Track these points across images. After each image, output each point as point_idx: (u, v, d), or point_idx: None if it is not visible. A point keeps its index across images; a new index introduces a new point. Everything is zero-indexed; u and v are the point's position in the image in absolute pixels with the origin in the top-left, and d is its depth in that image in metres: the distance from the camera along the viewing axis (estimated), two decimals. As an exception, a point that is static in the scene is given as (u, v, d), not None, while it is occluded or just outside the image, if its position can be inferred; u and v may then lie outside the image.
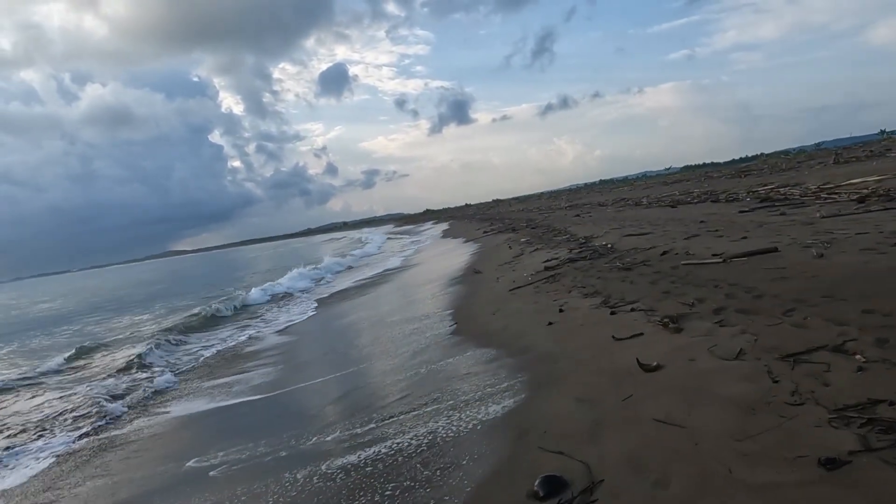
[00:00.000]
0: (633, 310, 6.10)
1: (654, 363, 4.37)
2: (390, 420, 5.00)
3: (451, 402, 5.01)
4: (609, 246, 11.28)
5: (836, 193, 15.53)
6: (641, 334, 5.22)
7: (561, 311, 6.97)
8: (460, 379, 5.59)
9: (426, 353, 7.11)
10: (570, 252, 11.95)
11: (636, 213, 21.33)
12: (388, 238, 56.50)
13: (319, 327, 12.32)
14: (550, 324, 6.53)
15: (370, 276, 20.56)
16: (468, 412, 4.62)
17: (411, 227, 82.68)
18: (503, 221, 32.78)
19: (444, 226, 53.79)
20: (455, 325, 8.18)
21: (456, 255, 20.37)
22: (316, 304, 15.60)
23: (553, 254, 12.37)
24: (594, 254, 10.73)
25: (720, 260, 7.33)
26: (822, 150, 48.31)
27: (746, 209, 14.72)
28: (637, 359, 4.44)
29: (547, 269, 10.43)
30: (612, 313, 6.18)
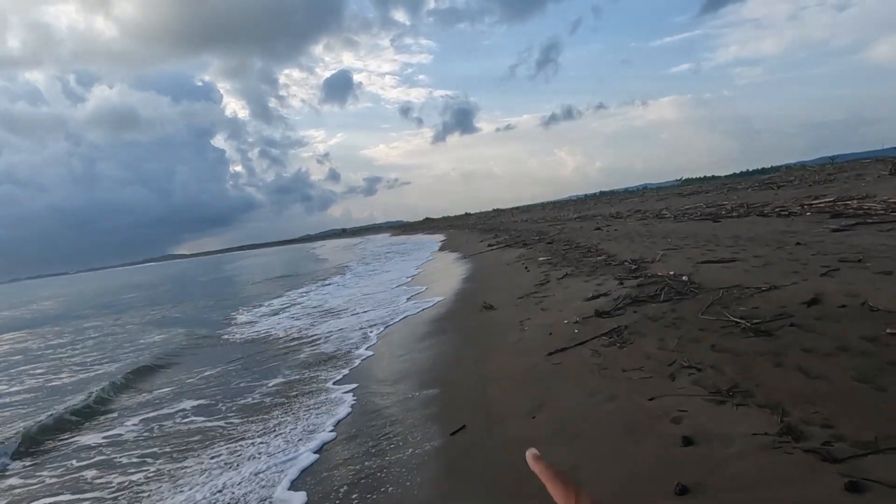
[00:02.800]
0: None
1: None
2: None
3: None
4: (685, 279, 7.60)
5: (944, 208, 12.03)
6: None
7: (688, 441, 3.28)
8: None
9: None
10: (622, 284, 8.28)
11: (672, 227, 17.69)
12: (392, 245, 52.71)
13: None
14: (684, 491, 2.84)
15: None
16: None
17: (406, 236, 78.80)
18: (509, 233, 29.09)
19: (441, 236, 49.95)
20: (452, 441, 4.46)
21: (454, 276, 16.66)
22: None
23: (596, 285, 8.69)
24: (669, 291, 7.04)
25: None
26: (848, 162, 44.71)
27: (836, 227, 11.12)
28: None
29: (600, 314, 6.76)
30: (852, 485, 2.51)
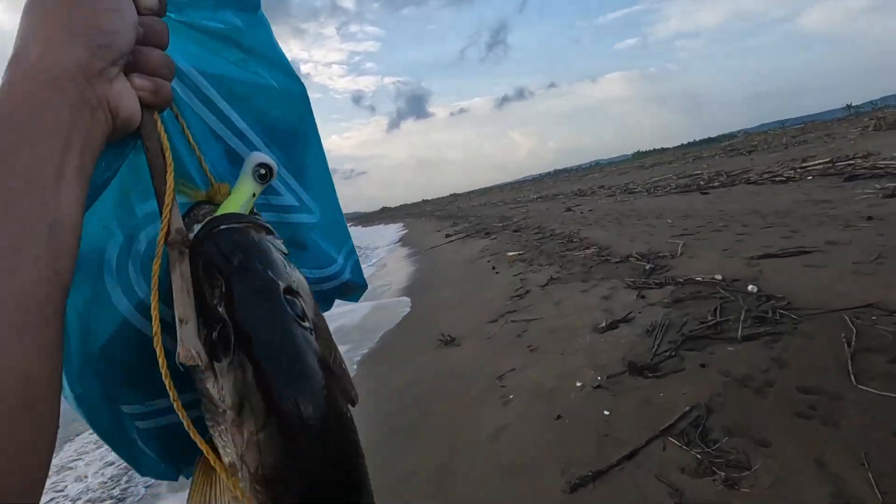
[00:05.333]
0: None
1: None
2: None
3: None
4: (752, 289, 4.74)
5: None
6: None
7: None
8: None
9: None
10: (643, 296, 5.41)
11: (655, 204, 15.05)
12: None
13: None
14: None
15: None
16: None
17: (363, 227, 75.08)
18: (468, 220, 26.10)
19: (398, 227, 46.59)
20: None
21: (398, 283, 13.59)
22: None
23: (601, 298, 5.79)
24: (745, 318, 4.15)
25: None
26: (800, 126, 43.30)
27: (891, 192, 8.57)
28: None
29: (637, 369, 3.83)
30: None
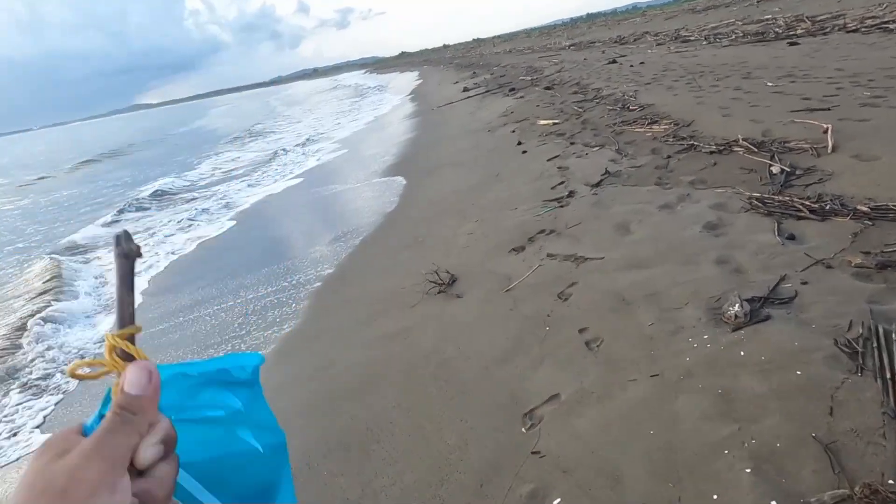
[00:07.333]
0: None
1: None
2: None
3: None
4: None
5: None
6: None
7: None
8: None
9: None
10: (779, 230, 2.93)
11: (727, 56, 11.64)
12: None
13: None
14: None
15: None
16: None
17: (378, 75, 69.18)
18: (490, 70, 22.32)
19: (413, 76, 41.90)
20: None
21: (393, 151, 10.91)
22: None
23: (704, 229, 3.30)
24: None
25: None
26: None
27: None
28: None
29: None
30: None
